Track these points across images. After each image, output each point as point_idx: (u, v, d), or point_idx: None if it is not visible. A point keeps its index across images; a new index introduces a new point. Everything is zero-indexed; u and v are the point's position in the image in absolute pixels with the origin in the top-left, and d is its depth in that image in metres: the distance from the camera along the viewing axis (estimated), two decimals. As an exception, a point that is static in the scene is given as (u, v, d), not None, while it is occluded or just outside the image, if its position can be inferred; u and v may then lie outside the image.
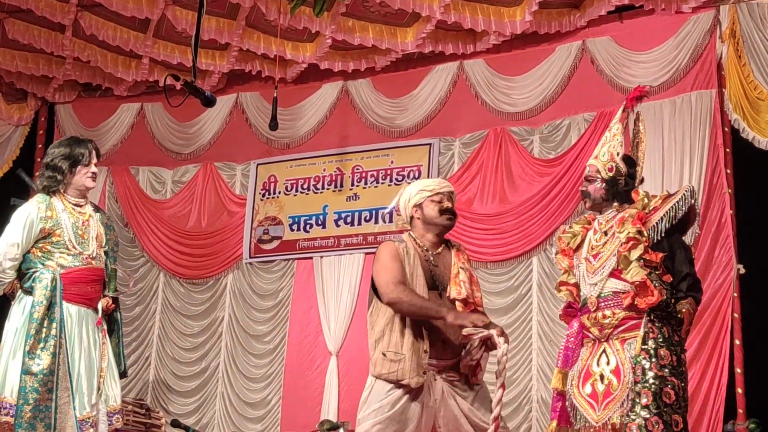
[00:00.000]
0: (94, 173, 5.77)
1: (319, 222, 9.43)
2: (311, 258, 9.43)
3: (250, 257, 9.64)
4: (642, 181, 5.20)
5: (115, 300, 5.85)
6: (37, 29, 9.21)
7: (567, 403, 5.03)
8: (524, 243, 8.44)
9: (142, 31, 9.14)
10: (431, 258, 5.03)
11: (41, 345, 5.45)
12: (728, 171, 7.74)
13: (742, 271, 7.46)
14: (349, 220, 9.31)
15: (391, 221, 8.90)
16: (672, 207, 4.94)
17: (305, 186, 9.58)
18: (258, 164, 9.85)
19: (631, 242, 4.86)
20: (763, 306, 7.52)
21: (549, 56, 8.68)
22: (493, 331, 4.64)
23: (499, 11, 8.31)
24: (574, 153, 8.25)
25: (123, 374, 5.89)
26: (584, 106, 8.36)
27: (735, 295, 7.45)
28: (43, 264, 5.59)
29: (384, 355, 4.82)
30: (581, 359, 5.03)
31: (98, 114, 10.39)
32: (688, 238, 5.12)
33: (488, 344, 4.79)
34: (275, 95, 8.18)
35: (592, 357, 4.96)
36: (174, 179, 10.11)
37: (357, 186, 9.36)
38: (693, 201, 5.01)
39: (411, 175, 9.03)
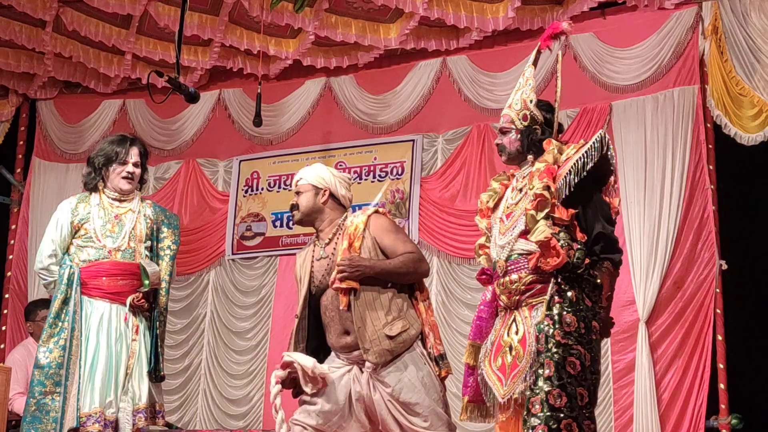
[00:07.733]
0: (129, 173, 5.70)
1: (302, 218, 9.38)
2: (294, 254, 9.33)
3: (233, 254, 9.60)
4: (561, 128, 4.74)
5: (154, 296, 5.67)
6: (18, 25, 9.11)
7: (479, 379, 4.61)
8: (507, 239, 8.42)
9: (125, 27, 9.08)
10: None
11: (54, 339, 5.42)
12: (711, 167, 7.74)
13: (725, 267, 7.47)
14: (332, 216, 9.27)
15: (374, 218, 8.89)
16: (580, 158, 4.38)
17: (288, 182, 9.53)
18: (241, 161, 9.80)
19: (537, 200, 4.36)
20: (745, 302, 7.57)
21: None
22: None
23: (482, 7, 8.30)
24: (558, 149, 8.25)
25: (155, 375, 5.62)
26: (567, 102, 8.23)
27: (717, 291, 7.46)
28: (72, 260, 5.57)
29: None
30: (494, 330, 4.60)
31: (80, 110, 10.30)
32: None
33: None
34: (259, 91, 8.17)
35: (504, 327, 4.51)
36: (156, 176, 10.03)
37: (340, 182, 9.31)
38: (605, 149, 4.42)
39: (394, 172, 9.03)
